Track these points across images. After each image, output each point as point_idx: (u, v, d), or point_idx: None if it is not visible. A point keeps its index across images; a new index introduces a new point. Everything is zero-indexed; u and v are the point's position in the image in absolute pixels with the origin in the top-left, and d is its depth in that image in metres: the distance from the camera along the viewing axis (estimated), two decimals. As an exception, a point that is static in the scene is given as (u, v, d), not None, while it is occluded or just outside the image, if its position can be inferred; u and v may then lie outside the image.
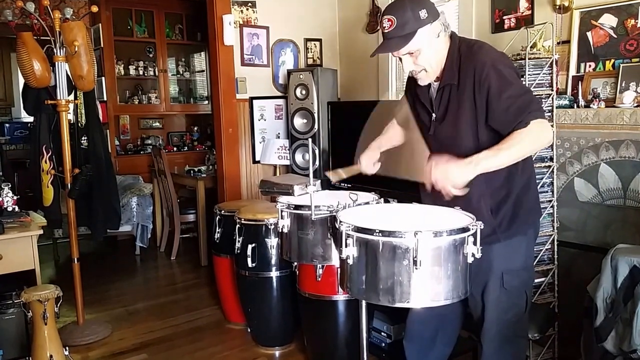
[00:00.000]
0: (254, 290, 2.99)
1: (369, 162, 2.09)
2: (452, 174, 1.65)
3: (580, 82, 2.77)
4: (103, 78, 5.63)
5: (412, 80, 1.98)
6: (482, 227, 1.57)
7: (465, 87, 1.78)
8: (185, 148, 6.39)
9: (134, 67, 6.07)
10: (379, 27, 1.82)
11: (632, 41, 2.59)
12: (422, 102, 1.94)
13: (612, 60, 2.67)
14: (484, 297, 1.89)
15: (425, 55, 1.79)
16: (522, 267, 1.92)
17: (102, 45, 5.59)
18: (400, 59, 1.84)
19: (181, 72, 6.51)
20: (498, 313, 1.89)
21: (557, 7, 2.85)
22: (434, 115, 1.89)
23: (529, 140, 1.69)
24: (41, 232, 2.73)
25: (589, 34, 2.75)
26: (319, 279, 2.51)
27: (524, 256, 1.94)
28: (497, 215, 1.84)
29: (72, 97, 3.27)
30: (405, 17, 1.72)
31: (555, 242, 2.69)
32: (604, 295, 2.08)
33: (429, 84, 1.89)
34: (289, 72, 4.12)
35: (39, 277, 2.75)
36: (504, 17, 3.17)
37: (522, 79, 2.46)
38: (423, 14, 1.73)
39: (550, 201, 2.66)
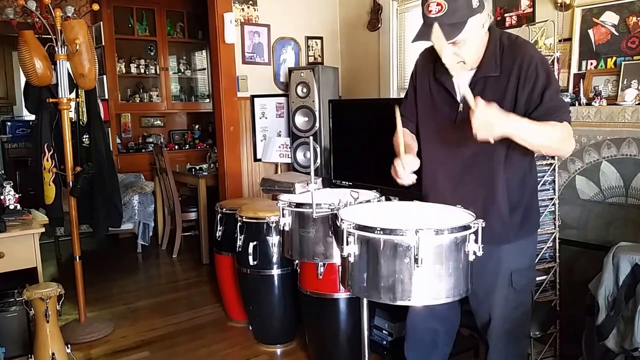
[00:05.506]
0: (255, 288, 2.99)
1: (409, 172, 1.79)
2: (494, 118, 1.54)
3: (581, 79, 2.76)
4: (104, 76, 5.64)
5: (430, 62, 1.87)
6: (494, 225, 1.54)
7: (509, 79, 1.70)
8: (187, 146, 6.39)
9: (135, 65, 6.08)
10: (424, 10, 1.68)
11: (633, 39, 2.59)
12: (447, 89, 1.82)
13: (614, 58, 2.66)
14: (491, 297, 1.88)
15: (469, 47, 1.68)
16: (529, 266, 1.93)
17: (103, 44, 5.59)
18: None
19: (182, 70, 6.50)
20: (506, 312, 1.88)
21: (559, 4, 2.84)
22: (460, 105, 1.79)
23: (561, 135, 1.65)
24: (43, 230, 2.74)
25: (590, 31, 2.74)
26: (321, 277, 2.51)
27: (531, 256, 1.95)
28: (513, 214, 1.82)
29: (73, 95, 3.27)
30: (458, 3, 1.59)
31: (557, 240, 2.68)
32: (606, 293, 2.07)
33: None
34: (290, 70, 4.12)
35: (41, 275, 2.76)
36: (505, 15, 3.16)
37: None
38: (475, 1, 1.61)
39: (552, 199, 2.66)
